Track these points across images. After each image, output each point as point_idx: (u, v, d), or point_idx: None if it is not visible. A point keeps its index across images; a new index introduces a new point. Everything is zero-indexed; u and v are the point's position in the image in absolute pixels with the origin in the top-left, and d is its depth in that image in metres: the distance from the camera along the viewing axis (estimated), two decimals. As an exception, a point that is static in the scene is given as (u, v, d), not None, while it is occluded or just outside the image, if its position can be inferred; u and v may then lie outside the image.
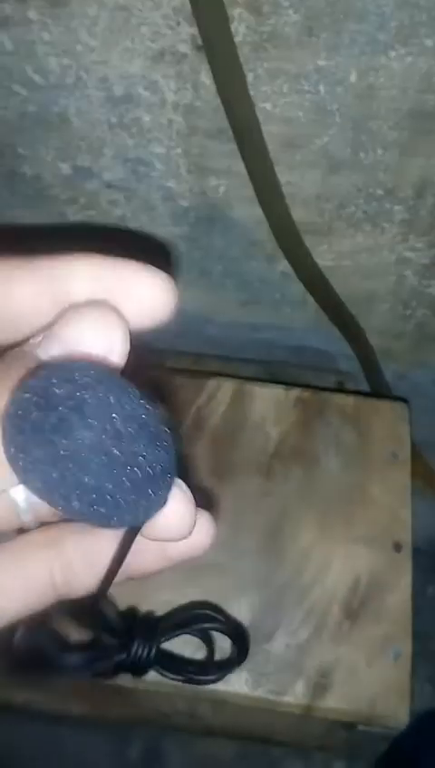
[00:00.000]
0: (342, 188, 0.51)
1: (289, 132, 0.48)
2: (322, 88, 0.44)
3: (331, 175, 0.50)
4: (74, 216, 0.59)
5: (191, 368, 0.74)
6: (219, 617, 0.45)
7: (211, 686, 0.49)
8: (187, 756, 0.73)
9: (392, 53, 0.42)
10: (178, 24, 0.42)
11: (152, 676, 0.48)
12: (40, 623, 0.36)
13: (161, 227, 0.59)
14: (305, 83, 0.44)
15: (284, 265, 0.58)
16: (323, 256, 0.58)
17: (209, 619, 0.45)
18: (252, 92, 0.45)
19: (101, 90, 0.47)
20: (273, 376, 0.75)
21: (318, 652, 0.50)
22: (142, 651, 0.41)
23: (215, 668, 0.44)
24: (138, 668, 0.42)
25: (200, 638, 0.45)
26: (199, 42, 0.42)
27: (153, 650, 0.41)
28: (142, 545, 0.21)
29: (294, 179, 0.51)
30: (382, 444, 0.56)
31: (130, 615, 0.45)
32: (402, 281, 0.59)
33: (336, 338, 0.67)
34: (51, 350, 0.19)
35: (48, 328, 0.20)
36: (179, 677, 0.43)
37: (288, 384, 0.63)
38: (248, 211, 0.54)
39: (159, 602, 0.50)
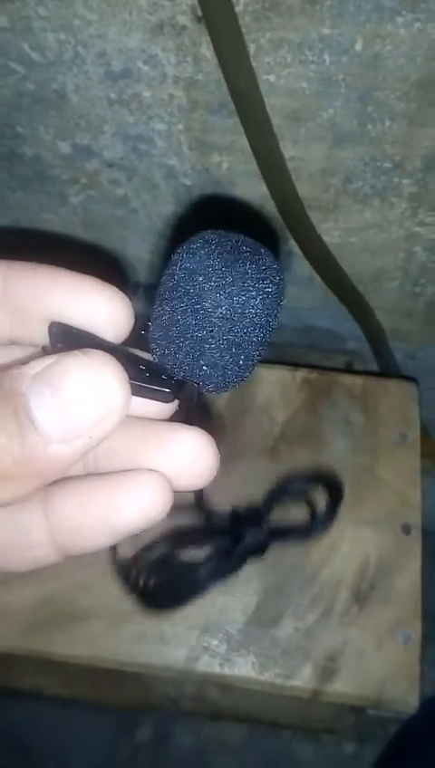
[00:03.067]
0: (348, 162, 0.50)
1: (293, 105, 0.46)
2: (326, 57, 0.43)
3: (337, 148, 0.49)
4: (75, 196, 0.58)
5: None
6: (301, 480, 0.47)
7: (218, 671, 0.48)
8: (195, 740, 0.73)
9: (399, 20, 0.40)
10: (177, -7, 0.41)
11: (159, 658, 0.48)
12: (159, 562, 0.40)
13: (164, 207, 0.58)
14: (309, 53, 0.43)
15: (290, 244, 0.57)
16: (330, 233, 0.57)
17: (296, 484, 0.47)
18: (254, 64, 0.44)
19: (100, 65, 0.46)
20: (281, 357, 0.74)
21: (326, 636, 0.49)
22: (258, 535, 0.44)
23: (320, 521, 0.46)
24: (260, 550, 0.44)
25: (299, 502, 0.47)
26: (199, 13, 0.41)
27: (264, 530, 0.44)
28: (87, 522, 0.22)
29: (299, 154, 0.50)
30: (391, 425, 0.55)
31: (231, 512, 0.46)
32: (412, 257, 0.58)
33: (344, 318, 0.66)
34: (41, 395, 0.19)
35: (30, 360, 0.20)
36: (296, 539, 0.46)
37: (296, 365, 0.62)
38: (252, 188, 0.53)
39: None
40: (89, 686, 0.62)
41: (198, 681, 0.51)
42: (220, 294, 0.23)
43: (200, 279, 0.23)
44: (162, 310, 0.24)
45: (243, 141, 0.48)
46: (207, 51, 0.43)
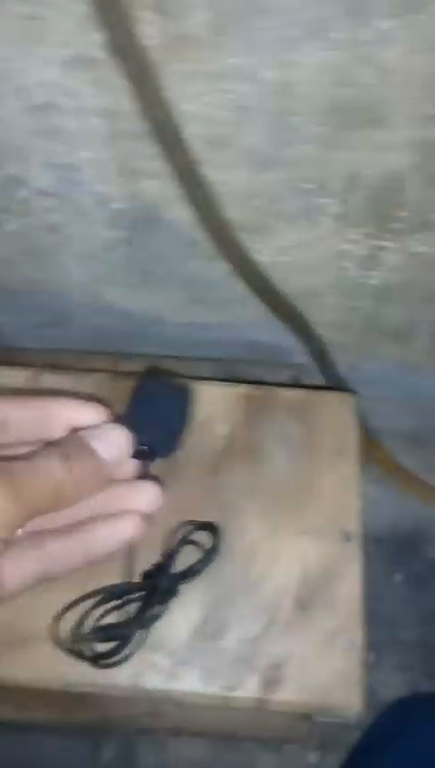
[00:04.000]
0: (271, 185, 0.51)
1: (212, 132, 0.48)
2: (239, 86, 0.44)
3: (259, 172, 0.51)
4: (9, 224, 0.59)
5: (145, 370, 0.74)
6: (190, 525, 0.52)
7: (164, 686, 0.49)
8: (160, 757, 0.74)
9: (305, 48, 0.42)
10: (89, 29, 0.42)
11: (105, 677, 0.49)
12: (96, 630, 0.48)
13: (98, 232, 0.59)
14: (222, 82, 0.44)
15: (226, 264, 0.58)
16: (262, 253, 0.58)
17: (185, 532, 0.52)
18: (171, 94, 0.45)
19: (21, 99, 0.47)
20: (228, 373, 0.75)
21: (270, 646, 0.50)
22: (168, 581, 0.50)
23: (208, 556, 0.51)
24: (171, 593, 0.50)
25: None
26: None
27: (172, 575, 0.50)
28: (68, 550, 0.38)
29: (224, 178, 0.51)
30: (330, 436, 0.57)
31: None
32: (344, 273, 0.59)
33: (288, 333, 0.68)
34: (97, 442, 0.38)
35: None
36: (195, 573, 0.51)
37: (242, 381, 0.63)
38: (183, 212, 0.54)
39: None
40: (44, 710, 0.63)
41: (154, 698, 0.52)
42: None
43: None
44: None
45: (169, 167, 0.49)
46: (123, 82, 0.45)
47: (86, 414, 0.39)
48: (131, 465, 0.41)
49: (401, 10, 0.38)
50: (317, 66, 0.43)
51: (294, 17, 0.40)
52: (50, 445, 0.36)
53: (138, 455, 0.40)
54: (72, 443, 0.36)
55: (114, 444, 0.37)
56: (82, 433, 0.37)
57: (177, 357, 0.75)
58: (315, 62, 0.42)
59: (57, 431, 0.38)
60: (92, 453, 0.36)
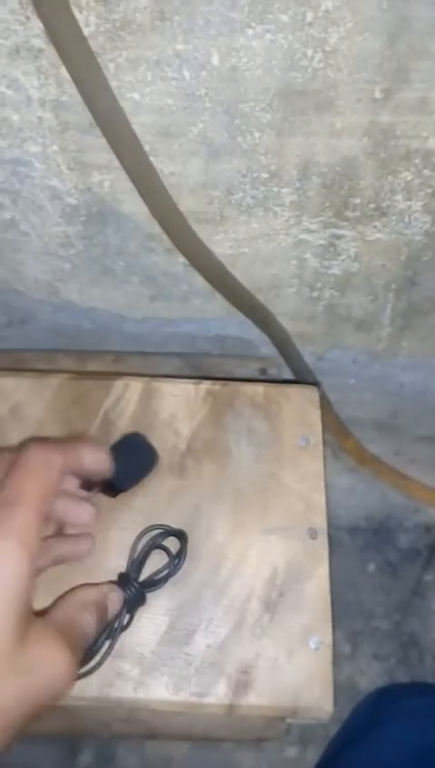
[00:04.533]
0: (226, 174, 0.50)
1: (162, 121, 0.46)
2: (186, 73, 0.43)
3: (213, 161, 0.49)
4: (-38, 222, 0.57)
5: (110, 366, 0.72)
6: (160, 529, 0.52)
7: (132, 695, 0.48)
8: (139, 759, 0.73)
9: (250, 32, 0.40)
10: (28, 18, 0.40)
11: (80, 689, 0.47)
12: None
13: (54, 227, 0.57)
14: (168, 69, 0.43)
15: (184, 257, 0.57)
16: (222, 245, 0.57)
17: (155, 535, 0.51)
18: (116, 83, 0.44)
19: (-38, 91, 0.45)
20: (195, 369, 0.73)
21: (239, 649, 0.49)
22: (136, 590, 0.48)
23: (175, 562, 0.50)
24: (140, 602, 0.49)
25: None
26: (53, 34, 0.41)
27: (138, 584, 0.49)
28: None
29: (177, 169, 0.50)
30: (294, 430, 0.55)
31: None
32: (304, 264, 0.58)
33: (253, 325, 0.66)
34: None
35: None
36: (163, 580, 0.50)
37: (210, 377, 0.62)
38: (139, 205, 0.53)
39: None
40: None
41: (120, 707, 0.50)
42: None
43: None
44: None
45: (118, 159, 0.48)
46: (67, 72, 0.43)
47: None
48: None
49: (345, -10, 0.37)
50: (264, 50, 0.41)
51: (238, 0, 0.38)
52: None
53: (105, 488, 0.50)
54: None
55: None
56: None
57: (142, 353, 0.74)
58: (262, 46, 0.41)
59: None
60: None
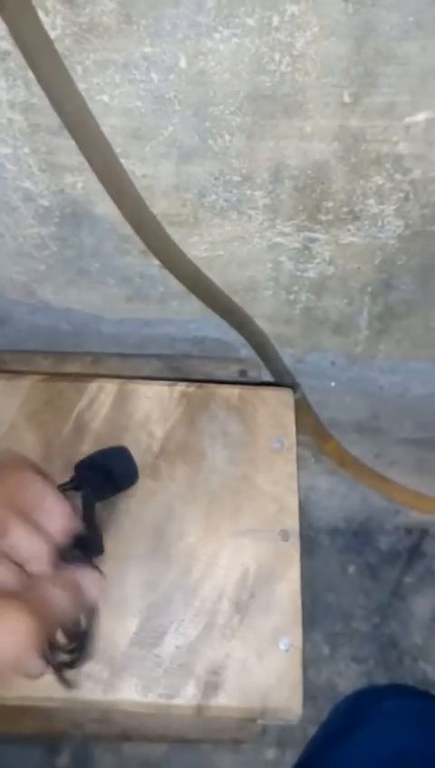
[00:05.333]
0: (198, 177, 0.50)
1: (132, 124, 0.46)
2: (154, 76, 0.43)
3: (184, 164, 0.49)
4: None
5: (88, 368, 0.72)
6: None
7: (102, 697, 0.48)
8: (116, 760, 0.73)
9: (217, 35, 0.40)
10: (-6, 19, 0.40)
11: (41, 689, 0.47)
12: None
13: (28, 229, 0.57)
14: (136, 72, 0.43)
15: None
16: (197, 247, 0.57)
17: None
18: (84, 85, 0.43)
19: None
20: (174, 370, 0.74)
21: (208, 650, 0.49)
22: None
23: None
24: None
25: None
26: (20, 36, 0.41)
27: None
28: None
29: (149, 171, 0.50)
30: (268, 433, 0.56)
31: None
32: (279, 266, 0.58)
33: (231, 327, 0.66)
34: None
35: None
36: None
37: (188, 378, 0.62)
38: (112, 206, 0.52)
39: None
40: (-9, 721, 0.61)
41: (91, 708, 0.50)
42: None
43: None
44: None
45: (88, 161, 0.48)
46: (33, 74, 0.43)
47: None
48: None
49: (308, -6, 0.37)
50: (231, 54, 0.41)
51: (204, 3, 0.39)
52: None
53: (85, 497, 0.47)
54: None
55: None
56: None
57: (121, 355, 0.74)
58: (229, 50, 0.41)
59: None
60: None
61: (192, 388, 0.58)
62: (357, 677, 0.76)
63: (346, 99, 0.43)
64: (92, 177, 0.50)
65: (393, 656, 0.78)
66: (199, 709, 0.48)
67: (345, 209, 0.51)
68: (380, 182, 0.49)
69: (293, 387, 0.60)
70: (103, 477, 0.51)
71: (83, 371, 0.69)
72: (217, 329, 0.69)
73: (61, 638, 0.42)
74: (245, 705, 0.48)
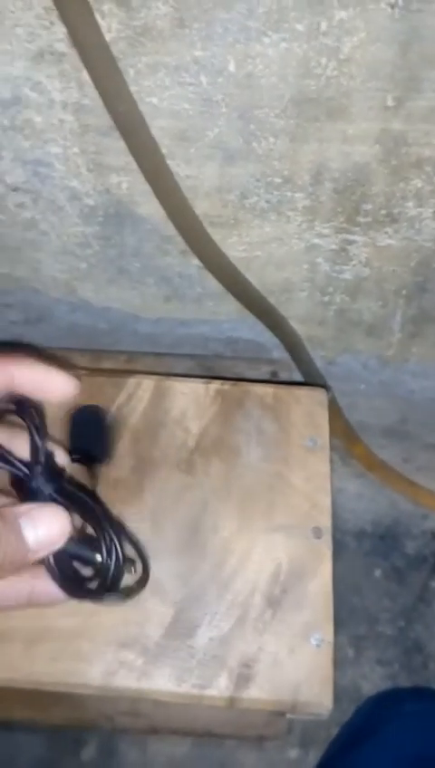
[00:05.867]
0: (241, 179, 0.51)
1: (179, 126, 0.48)
2: (203, 79, 0.44)
3: (228, 166, 0.50)
4: (-17, 220, 0.59)
5: (124, 366, 0.74)
6: None
7: (135, 685, 0.49)
8: (141, 755, 0.73)
9: (266, 40, 0.41)
10: (52, 23, 0.42)
11: (77, 675, 0.49)
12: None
13: (72, 227, 0.58)
14: (186, 75, 0.44)
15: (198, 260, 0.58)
16: (235, 248, 0.58)
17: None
18: (135, 88, 0.45)
19: (-12, 93, 0.47)
20: (206, 370, 0.75)
21: (241, 643, 0.50)
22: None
23: None
24: None
25: None
26: (76, 39, 0.42)
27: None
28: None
29: (193, 173, 0.51)
30: (302, 431, 0.56)
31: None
32: (316, 268, 0.59)
33: (265, 328, 0.67)
34: (29, 527, 0.35)
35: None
36: None
37: (220, 377, 0.63)
38: (155, 207, 0.54)
39: (80, 604, 0.50)
40: (23, 708, 0.62)
41: (127, 696, 0.51)
42: None
43: None
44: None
45: (136, 162, 0.49)
46: (87, 76, 0.44)
47: (54, 383, 0.38)
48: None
49: (357, 0, 0.38)
50: (279, 58, 0.42)
51: (255, 8, 0.40)
52: None
53: (78, 459, 0.45)
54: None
55: (47, 532, 0.35)
56: (15, 511, 0.34)
57: (154, 354, 0.75)
58: (277, 54, 0.42)
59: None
60: (18, 538, 0.34)
61: (227, 386, 0.59)
62: (381, 680, 0.76)
63: (389, 102, 0.44)
64: (137, 177, 0.52)
65: (418, 660, 0.78)
66: (231, 701, 0.48)
67: (384, 212, 0.52)
68: (419, 185, 0.50)
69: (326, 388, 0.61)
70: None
71: (119, 369, 0.71)
72: (250, 330, 0.70)
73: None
74: (276, 698, 0.49)
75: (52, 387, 0.38)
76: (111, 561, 0.38)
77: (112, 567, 0.38)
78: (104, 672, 0.49)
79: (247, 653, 0.49)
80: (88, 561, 0.38)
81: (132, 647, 0.50)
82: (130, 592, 0.42)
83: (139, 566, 0.43)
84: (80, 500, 0.38)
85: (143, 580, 0.43)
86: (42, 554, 0.35)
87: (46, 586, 0.37)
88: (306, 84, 0.44)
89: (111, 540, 0.38)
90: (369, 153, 0.47)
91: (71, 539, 0.36)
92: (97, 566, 0.38)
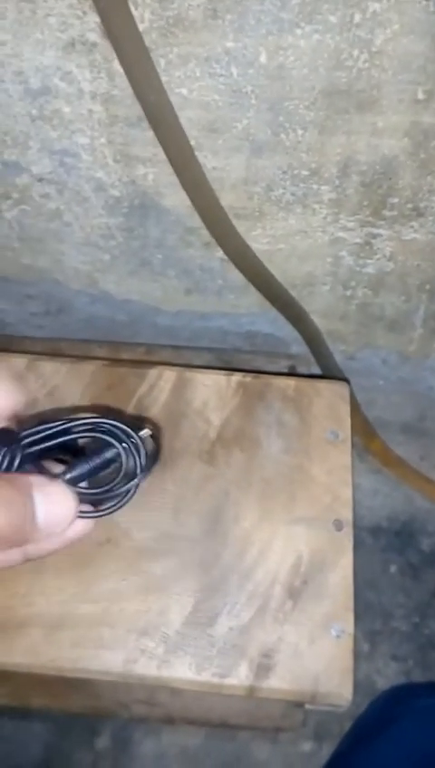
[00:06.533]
0: (267, 171, 0.51)
1: (208, 117, 0.48)
2: (234, 70, 0.44)
3: (255, 158, 0.51)
4: (9, 211, 0.59)
5: (142, 358, 0.74)
6: None
7: (156, 673, 0.49)
8: (155, 745, 0.74)
9: (298, 31, 0.42)
10: (85, 13, 0.42)
11: (98, 662, 0.49)
12: None
13: (96, 219, 0.59)
14: (217, 66, 0.44)
15: (222, 252, 0.58)
16: (259, 240, 0.58)
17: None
18: (165, 78, 0.45)
19: (19, 83, 0.47)
20: (225, 363, 0.75)
21: (261, 633, 0.50)
22: None
23: None
24: None
25: None
26: (108, 29, 0.42)
27: None
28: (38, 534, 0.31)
29: (220, 164, 0.51)
30: (323, 424, 0.57)
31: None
32: (339, 261, 0.59)
33: (284, 322, 0.68)
34: (41, 503, 0.31)
35: None
36: None
37: (234, 370, 0.63)
38: (180, 198, 0.54)
39: (103, 591, 0.51)
40: (39, 696, 0.63)
41: (144, 684, 0.52)
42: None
43: None
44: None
45: (164, 152, 0.49)
46: (119, 66, 0.45)
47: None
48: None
49: (393, -8, 0.38)
50: (311, 49, 0.43)
51: (289, 0, 0.40)
52: None
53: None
54: (9, 494, 0.30)
55: (58, 512, 0.31)
56: (30, 480, 0.31)
57: (173, 346, 0.75)
58: (309, 46, 0.42)
59: None
60: (28, 510, 0.30)
61: (249, 378, 0.59)
62: (395, 676, 0.76)
63: (420, 96, 0.44)
64: (164, 169, 0.52)
65: (432, 656, 0.78)
66: (251, 690, 0.49)
67: (410, 206, 0.52)
68: (446, 179, 0.50)
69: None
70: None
71: (138, 360, 0.71)
72: (270, 324, 0.71)
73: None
74: (296, 689, 0.49)
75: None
76: (130, 443, 0.35)
77: (134, 448, 0.34)
78: (125, 659, 0.49)
79: (267, 643, 0.50)
80: (111, 461, 0.35)
81: (153, 635, 0.50)
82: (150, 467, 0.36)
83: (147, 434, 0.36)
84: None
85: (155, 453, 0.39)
86: (44, 536, 0.31)
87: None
88: (337, 76, 0.44)
89: (115, 425, 0.35)
90: (398, 146, 0.47)
91: (85, 460, 0.34)
92: (120, 460, 0.35)
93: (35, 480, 0.31)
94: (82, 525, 0.33)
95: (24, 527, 0.30)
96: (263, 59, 0.43)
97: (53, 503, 0.31)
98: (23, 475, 0.31)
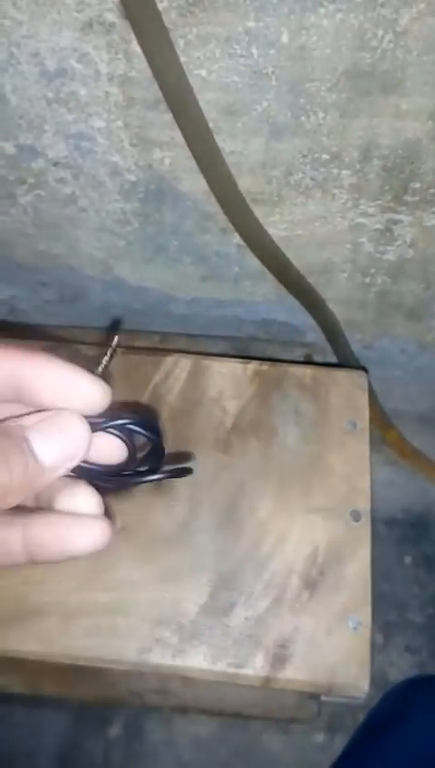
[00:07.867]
0: (287, 155, 0.51)
1: (227, 99, 0.47)
2: (254, 51, 0.43)
3: (274, 141, 0.50)
4: (24, 196, 0.58)
5: (157, 346, 0.73)
6: None
7: (171, 662, 0.49)
8: (166, 734, 0.74)
9: (322, 11, 0.41)
10: (103, -9, 0.41)
11: (112, 651, 0.49)
12: None
13: (112, 204, 0.58)
14: (237, 47, 0.43)
15: (239, 238, 0.58)
16: (277, 226, 0.57)
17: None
18: (184, 59, 0.44)
19: (35, 65, 0.47)
20: (240, 352, 0.74)
21: (277, 623, 0.49)
22: None
23: None
24: None
25: None
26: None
27: None
28: (51, 547, 0.29)
29: (238, 148, 0.50)
30: (341, 414, 0.56)
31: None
32: (358, 248, 0.58)
33: (300, 310, 0.67)
34: (38, 440, 0.28)
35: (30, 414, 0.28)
36: None
37: (250, 358, 0.62)
38: (197, 183, 0.53)
39: (119, 579, 0.50)
40: (52, 684, 0.63)
41: (158, 673, 0.51)
42: None
43: None
44: None
45: (182, 136, 0.48)
46: (137, 47, 0.44)
47: (80, 391, 0.29)
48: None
49: (421, -32, 0.37)
50: (334, 29, 0.41)
51: (312, -23, 0.39)
52: None
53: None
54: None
55: (63, 445, 0.28)
56: (21, 424, 0.28)
57: (187, 335, 0.75)
58: (332, 25, 0.41)
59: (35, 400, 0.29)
60: (28, 456, 0.27)
61: (265, 366, 0.58)
62: (409, 668, 0.76)
63: (446, 77, 0.43)
64: (181, 153, 0.51)
65: (447, 649, 0.78)
66: (267, 680, 0.48)
67: (432, 191, 0.51)
68: (470, 164, 0.49)
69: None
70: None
71: (153, 348, 0.70)
72: (286, 312, 0.70)
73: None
74: (312, 680, 0.48)
75: (76, 396, 0.29)
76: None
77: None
78: (139, 648, 0.49)
79: (284, 633, 0.49)
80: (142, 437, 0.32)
81: (168, 624, 0.50)
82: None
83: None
84: None
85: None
86: (59, 472, 0.28)
87: (42, 533, 0.30)
88: (361, 57, 0.43)
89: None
90: (421, 129, 0.46)
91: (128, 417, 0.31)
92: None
93: (31, 419, 0.28)
94: (91, 539, 0.30)
95: (26, 472, 0.27)
96: (284, 39, 0.42)
97: (55, 438, 0.28)
98: (15, 420, 0.28)
